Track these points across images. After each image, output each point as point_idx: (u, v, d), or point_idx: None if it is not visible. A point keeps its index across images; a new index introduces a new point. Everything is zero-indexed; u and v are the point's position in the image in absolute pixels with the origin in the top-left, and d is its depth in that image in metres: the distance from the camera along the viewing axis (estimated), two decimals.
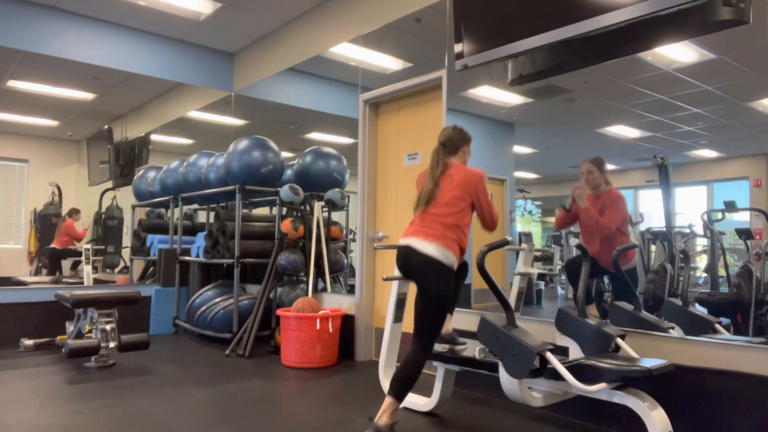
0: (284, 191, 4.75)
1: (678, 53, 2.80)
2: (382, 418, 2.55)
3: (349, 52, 4.85)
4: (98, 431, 2.74)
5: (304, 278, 4.93)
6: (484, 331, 2.59)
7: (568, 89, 3.29)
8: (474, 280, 3.65)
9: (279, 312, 4.33)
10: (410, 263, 2.70)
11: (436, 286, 2.61)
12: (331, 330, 4.26)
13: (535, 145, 3.56)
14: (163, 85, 6.34)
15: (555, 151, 3.42)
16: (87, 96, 6.42)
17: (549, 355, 2.40)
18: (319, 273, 4.89)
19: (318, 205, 4.90)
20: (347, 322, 4.56)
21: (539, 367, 2.45)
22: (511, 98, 3.60)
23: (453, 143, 2.89)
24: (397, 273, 3.03)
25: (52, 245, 6.52)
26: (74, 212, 6.73)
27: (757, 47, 2.52)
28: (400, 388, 2.60)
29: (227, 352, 4.67)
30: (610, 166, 3.12)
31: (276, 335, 4.86)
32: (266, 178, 4.98)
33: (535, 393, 2.63)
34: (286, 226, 4.81)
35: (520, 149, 3.60)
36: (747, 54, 2.57)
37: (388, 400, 2.59)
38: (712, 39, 2.66)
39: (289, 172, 5.33)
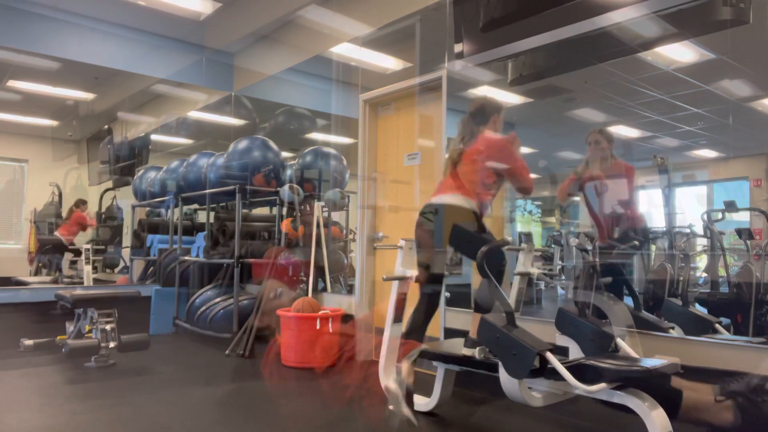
0: (284, 191, 4.75)
1: (678, 53, 2.79)
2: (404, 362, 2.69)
3: (349, 52, 4.85)
4: (98, 431, 2.74)
5: (304, 278, 4.93)
6: (484, 331, 2.59)
7: (568, 89, 3.29)
8: (474, 280, 3.65)
9: (279, 312, 4.33)
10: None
11: (455, 227, 2.68)
12: (331, 330, 4.26)
13: (535, 145, 3.56)
14: (164, 85, 6.34)
15: (555, 151, 3.41)
16: (87, 96, 6.42)
17: (549, 355, 2.40)
18: (319, 273, 4.88)
19: (318, 205, 4.90)
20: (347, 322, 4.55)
21: (539, 367, 2.44)
22: (511, 98, 3.60)
23: (483, 112, 2.89)
24: (398, 271, 3.02)
25: (57, 233, 6.52)
26: (81, 203, 6.76)
27: (757, 47, 2.52)
28: (408, 329, 2.77)
29: (227, 352, 4.66)
30: None
31: (276, 335, 4.85)
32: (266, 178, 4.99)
33: (535, 393, 2.62)
34: (286, 226, 4.81)
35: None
36: (747, 54, 2.56)
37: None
38: (712, 39, 2.65)
39: (289, 172, 5.33)
